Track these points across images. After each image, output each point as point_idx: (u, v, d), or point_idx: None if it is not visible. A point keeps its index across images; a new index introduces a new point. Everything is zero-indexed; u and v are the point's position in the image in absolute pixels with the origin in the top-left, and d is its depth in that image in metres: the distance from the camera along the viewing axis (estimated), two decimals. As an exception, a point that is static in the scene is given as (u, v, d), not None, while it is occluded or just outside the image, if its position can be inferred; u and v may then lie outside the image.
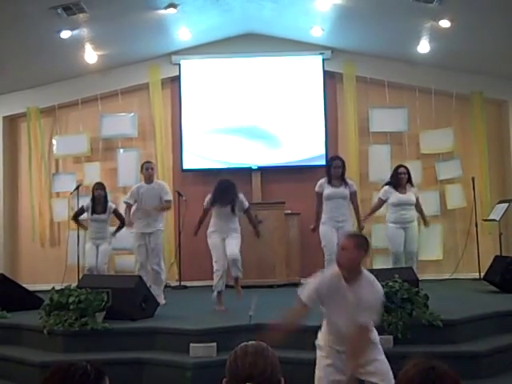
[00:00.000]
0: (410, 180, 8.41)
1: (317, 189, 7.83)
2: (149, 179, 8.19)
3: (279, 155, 10.51)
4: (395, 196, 8.27)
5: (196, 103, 10.68)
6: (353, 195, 7.86)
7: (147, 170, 8.19)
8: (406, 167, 8.49)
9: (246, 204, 7.60)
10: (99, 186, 8.97)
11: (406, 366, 2.03)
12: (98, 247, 8.84)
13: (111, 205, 8.98)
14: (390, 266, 8.33)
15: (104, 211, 8.80)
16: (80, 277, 8.45)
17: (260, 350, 2.22)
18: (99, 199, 8.85)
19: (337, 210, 7.67)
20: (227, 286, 7.48)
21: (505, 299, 7.56)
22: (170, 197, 8.32)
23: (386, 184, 8.48)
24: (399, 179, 8.33)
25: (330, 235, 7.61)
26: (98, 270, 8.70)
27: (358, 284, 4.08)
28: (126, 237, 8.86)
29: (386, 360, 4.21)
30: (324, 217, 7.72)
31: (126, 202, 8.28)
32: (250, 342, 2.28)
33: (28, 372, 5.84)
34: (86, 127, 10.65)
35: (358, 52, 10.50)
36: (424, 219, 8.52)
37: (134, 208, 8.13)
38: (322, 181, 7.85)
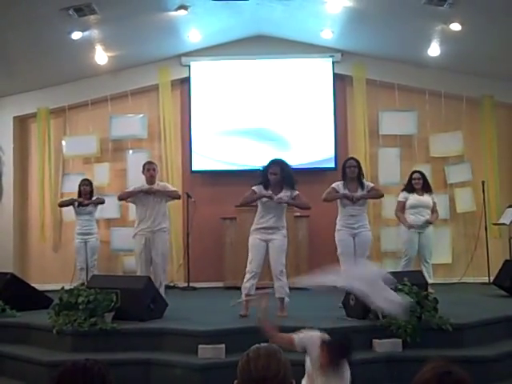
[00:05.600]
0: (426, 185, 8.41)
1: (333, 185, 7.52)
2: (150, 180, 7.85)
3: (288, 157, 10.37)
4: (413, 197, 8.31)
5: (205, 105, 10.69)
6: (371, 190, 7.52)
7: (149, 171, 7.87)
8: (420, 172, 8.52)
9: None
10: (85, 181, 9.42)
11: (424, 369, 2.03)
12: (86, 243, 8.99)
13: (97, 196, 9.38)
14: (399, 268, 8.32)
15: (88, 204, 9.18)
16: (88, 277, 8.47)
17: (273, 352, 2.22)
18: (85, 194, 9.25)
19: (353, 216, 7.33)
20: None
21: (514, 304, 7.54)
22: (173, 188, 8.16)
23: (403, 190, 8.52)
24: (414, 184, 8.35)
25: (346, 243, 7.31)
26: (88, 268, 8.84)
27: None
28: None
29: None
30: (339, 223, 7.39)
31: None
32: (263, 345, 2.27)
33: (37, 371, 5.85)
34: (96, 128, 10.68)
35: (368, 55, 10.48)
36: (430, 220, 8.48)
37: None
38: (339, 183, 7.50)
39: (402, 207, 8.46)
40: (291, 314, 6.63)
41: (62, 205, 9.53)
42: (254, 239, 6.88)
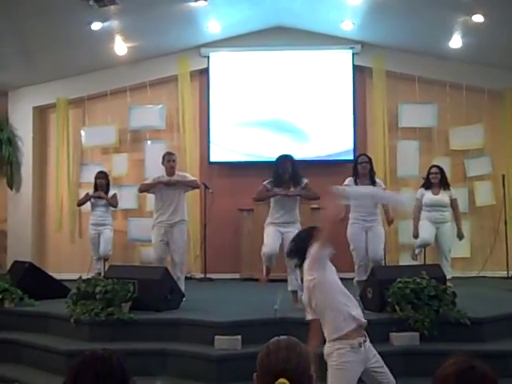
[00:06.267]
0: (444, 181, 8.31)
1: (346, 181, 7.44)
2: (170, 172, 7.75)
3: (307, 149, 10.46)
4: (427, 196, 8.22)
5: (224, 96, 10.67)
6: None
7: (169, 162, 7.76)
8: (439, 167, 8.42)
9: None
10: (101, 174, 9.40)
11: (445, 364, 1.99)
12: (99, 235, 9.03)
13: (112, 191, 9.35)
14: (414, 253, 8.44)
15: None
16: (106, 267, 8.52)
17: (293, 345, 2.20)
18: (101, 187, 9.23)
19: (365, 210, 7.21)
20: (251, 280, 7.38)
21: (533, 298, 7.48)
22: (194, 179, 8.12)
23: (421, 186, 8.45)
24: (431, 179, 8.27)
25: (358, 238, 7.23)
26: (103, 259, 8.93)
27: None
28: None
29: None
30: (351, 218, 7.26)
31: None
32: (282, 337, 2.25)
33: (54, 360, 5.90)
34: (115, 118, 10.70)
35: (388, 46, 10.39)
36: (458, 228, 8.38)
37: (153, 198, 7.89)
38: (349, 179, 7.46)
39: (419, 206, 8.33)
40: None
41: (80, 204, 9.50)
42: (269, 228, 6.98)
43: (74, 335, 6.25)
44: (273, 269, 6.95)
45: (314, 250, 4.04)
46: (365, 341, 3.98)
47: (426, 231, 8.22)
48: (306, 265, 4.14)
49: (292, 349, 2.17)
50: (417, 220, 8.32)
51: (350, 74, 10.56)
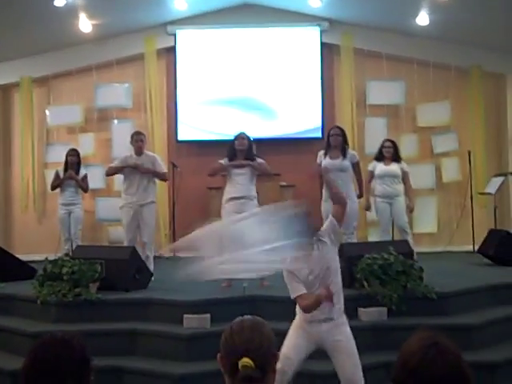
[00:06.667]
0: (396, 154, 8.34)
1: (317, 160, 7.56)
2: (139, 152, 7.72)
3: (275, 127, 10.45)
4: (379, 167, 8.25)
5: (192, 74, 10.58)
6: (356, 166, 7.54)
7: (137, 142, 7.73)
8: (392, 141, 8.47)
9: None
10: (73, 151, 9.19)
11: (410, 339, 2.01)
12: (70, 214, 8.92)
13: (83, 171, 9.16)
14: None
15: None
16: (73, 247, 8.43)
17: (256, 325, 2.20)
18: (72, 165, 9.04)
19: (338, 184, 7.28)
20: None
21: (499, 272, 7.60)
22: (165, 169, 8.03)
23: (374, 159, 8.48)
24: (384, 153, 8.30)
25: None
26: (72, 239, 8.79)
27: None
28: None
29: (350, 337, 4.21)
30: (324, 193, 7.18)
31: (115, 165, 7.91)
32: (246, 317, 2.25)
33: (20, 342, 5.82)
34: (81, 97, 10.54)
35: (355, 24, 10.38)
36: (410, 200, 8.39)
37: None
38: (321, 152, 7.57)
39: (371, 177, 8.38)
40: (279, 284, 6.63)
41: (54, 187, 9.27)
42: (226, 212, 6.90)
43: (41, 317, 6.18)
44: None
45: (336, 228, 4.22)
46: None
47: (383, 217, 8.28)
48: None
49: (255, 329, 2.17)
50: (368, 192, 8.35)
51: (318, 51, 10.54)
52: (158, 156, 8.22)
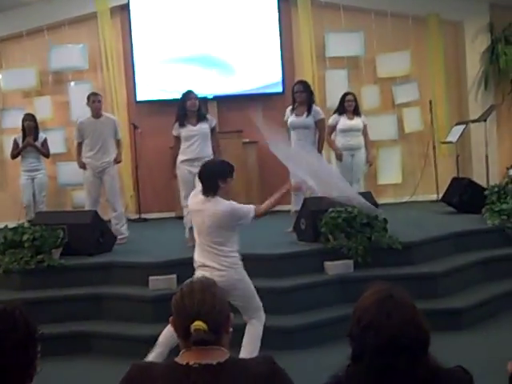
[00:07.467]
0: (357, 108, 8.34)
1: (284, 117, 7.51)
2: (97, 113, 7.69)
3: (235, 83, 10.30)
4: (342, 122, 8.22)
5: (148, 32, 10.31)
6: (318, 124, 7.40)
7: (94, 103, 7.67)
8: (353, 94, 8.45)
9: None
10: (28, 116, 8.90)
11: (365, 293, 1.99)
12: (33, 180, 8.77)
13: (42, 135, 8.93)
14: None
15: (35, 141, 8.77)
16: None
17: (207, 286, 2.16)
18: (30, 129, 8.77)
19: (299, 141, 7.13)
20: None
21: (462, 219, 7.70)
22: (120, 135, 8.00)
23: (334, 112, 8.43)
24: (346, 106, 8.27)
25: None
26: (36, 205, 8.64)
27: None
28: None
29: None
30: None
31: (78, 143, 7.87)
32: (196, 279, 2.22)
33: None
34: (34, 60, 10.21)
35: (312, -26, 10.21)
36: (368, 152, 8.40)
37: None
38: (289, 108, 7.50)
39: (331, 130, 8.34)
40: (244, 241, 6.62)
41: (15, 156, 9.01)
42: (182, 171, 6.87)
43: (4, 285, 6.11)
44: None
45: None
46: None
47: (346, 171, 8.26)
48: None
49: (206, 290, 2.13)
50: (333, 144, 8.32)
51: (275, 4, 10.34)
52: (118, 120, 8.22)
